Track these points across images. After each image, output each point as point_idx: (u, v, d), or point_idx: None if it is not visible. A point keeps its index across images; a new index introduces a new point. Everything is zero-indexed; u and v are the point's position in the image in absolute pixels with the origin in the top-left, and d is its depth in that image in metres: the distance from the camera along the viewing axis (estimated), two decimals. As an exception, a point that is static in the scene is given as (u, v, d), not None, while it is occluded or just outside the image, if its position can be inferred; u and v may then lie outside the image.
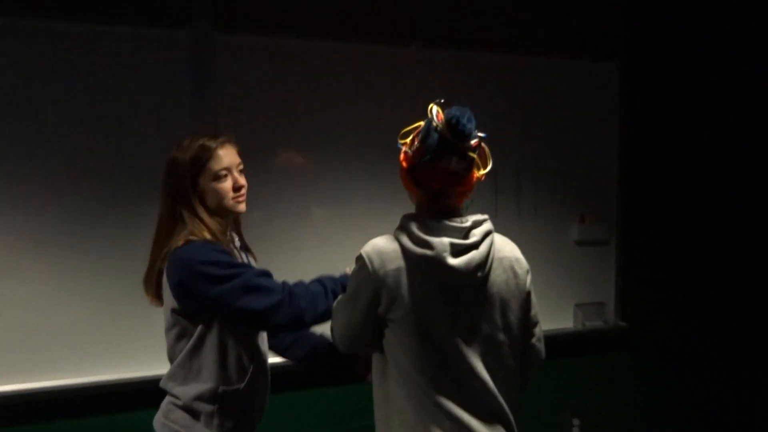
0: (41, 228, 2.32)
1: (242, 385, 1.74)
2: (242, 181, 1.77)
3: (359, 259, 1.59)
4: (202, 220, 1.71)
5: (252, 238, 2.53)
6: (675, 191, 3.39)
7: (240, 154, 1.81)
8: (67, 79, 2.34)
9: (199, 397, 1.70)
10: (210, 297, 1.64)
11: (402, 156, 1.61)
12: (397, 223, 1.62)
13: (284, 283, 1.72)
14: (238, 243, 1.87)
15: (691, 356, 3.48)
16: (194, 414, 1.71)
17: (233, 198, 1.75)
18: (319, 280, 1.79)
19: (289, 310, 1.67)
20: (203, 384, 1.71)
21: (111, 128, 2.39)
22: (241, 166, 1.79)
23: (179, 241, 1.69)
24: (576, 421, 3.24)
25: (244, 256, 1.87)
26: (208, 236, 1.69)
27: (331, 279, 1.80)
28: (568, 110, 3.13)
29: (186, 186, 1.72)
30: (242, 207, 1.79)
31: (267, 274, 1.72)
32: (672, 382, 3.45)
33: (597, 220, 3.19)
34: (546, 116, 3.08)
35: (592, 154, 3.19)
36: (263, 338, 1.87)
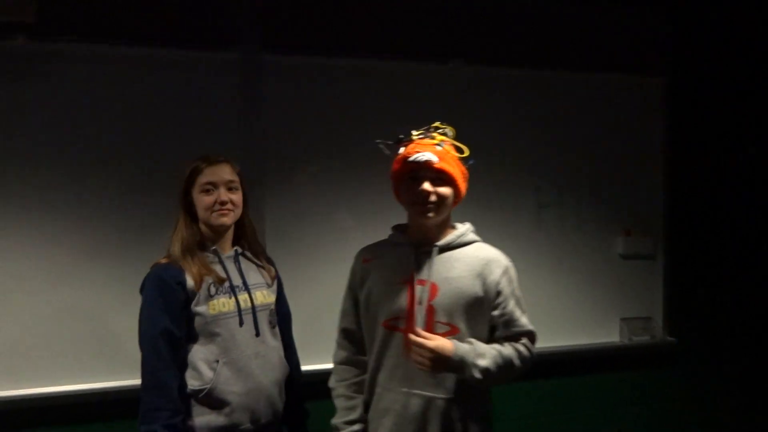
0: (97, 241, 2.43)
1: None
2: (224, 197, 1.93)
3: (511, 268, 1.89)
4: (187, 226, 1.94)
5: (300, 253, 2.62)
6: (721, 205, 3.34)
7: (240, 174, 1.99)
8: (118, 102, 2.44)
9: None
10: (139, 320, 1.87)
11: (466, 170, 1.88)
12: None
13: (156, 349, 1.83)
14: (232, 253, 2.00)
15: (741, 373, 3.39)
16: None
17: (215, 211, 1.92)
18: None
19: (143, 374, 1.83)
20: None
21: (161, 149, 2.48)
22: (232, 185, 1.96)
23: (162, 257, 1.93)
24: (623, 438, 3.19)
25: (235, 266, 1.99)
26: (177, 252, 1.90)
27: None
28: (612, 125, 3.11)
29: (181, 196, 1.96)
30: (223, 220, 1.94)
31: (168, 335, 1.82)
32: (722, 400, 3.37)
33: (642, 234, 3.17)
34: (589, 131, 3.08)
35: (636, 168, 3.16)
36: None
